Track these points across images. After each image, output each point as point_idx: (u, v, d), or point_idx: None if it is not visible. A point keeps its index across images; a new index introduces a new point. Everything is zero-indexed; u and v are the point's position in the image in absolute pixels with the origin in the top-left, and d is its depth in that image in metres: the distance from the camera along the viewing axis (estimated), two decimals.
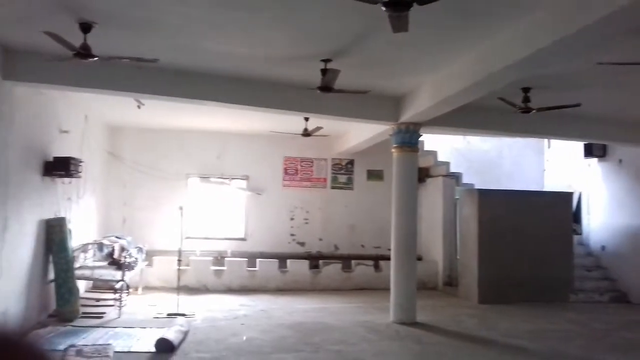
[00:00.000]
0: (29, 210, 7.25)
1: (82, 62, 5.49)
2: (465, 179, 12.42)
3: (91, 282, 9.30)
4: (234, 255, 11.83)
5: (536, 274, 10.56)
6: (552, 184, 13.63)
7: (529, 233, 10.65)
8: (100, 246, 9.47)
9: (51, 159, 7.80)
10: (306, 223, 12.76)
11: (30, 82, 6.79)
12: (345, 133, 11.75)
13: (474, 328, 8.38)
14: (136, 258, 9.55)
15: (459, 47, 5.95)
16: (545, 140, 13.72)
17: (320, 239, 12.75)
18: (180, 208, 8.91)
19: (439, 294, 11.43)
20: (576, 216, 12.14)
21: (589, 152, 11.77)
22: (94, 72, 6.57)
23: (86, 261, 8.98)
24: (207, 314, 8.60)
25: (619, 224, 11.27)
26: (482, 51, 5.86)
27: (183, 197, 11.79)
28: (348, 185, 13.01)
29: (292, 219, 12.72)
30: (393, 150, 8.83)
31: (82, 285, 8.81)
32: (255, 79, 7.61)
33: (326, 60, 6.40)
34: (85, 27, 5.32)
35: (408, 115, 8.25)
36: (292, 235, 12.68)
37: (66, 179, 8.24)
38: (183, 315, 8.25)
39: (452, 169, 12.31)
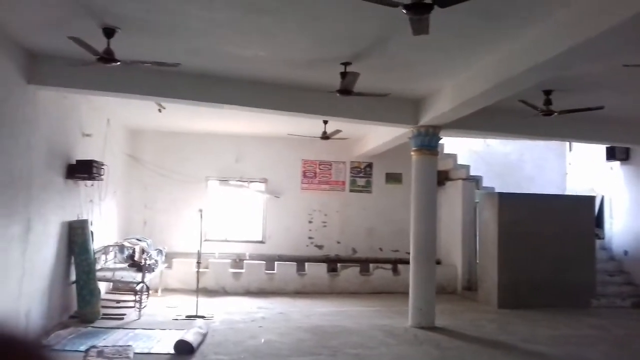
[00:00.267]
0: (52, 212, 7.35)
1: (105, 67, 5.57)
2: (485, 183, 12.31)
3: (112, 283, 9.40)
4: (252, 258, 11.88)
5: (557, 279, 10.42)
6: (574, 187, 13.46)
7: (550, 237, 10.52)
8: (121, 248, 9.58)
9: (74, 162, 7.92)
10: (324, 226, 12.76)
11: (54, 86, 6.89)
12: (364, 136, 11.74)
13: (493, 333, 8.29)
14: (156, 260, 9.63)
15: (480, 49, 5.91)
16: (567, 143, 13.55)
17: (339, 242, 12.74)
18: (200, 211, 8.98)
19: (458, 298, 11.34)
20: (598, 220, 11.97)
21: (611, 155, 11.60)
22: (116, 77, 6.67)
23: (107, 263, 9.09)
24: (226, 317, 8.64)
25: None
26: (504, 53, 5.81)
27: (202, 200, 11.87)
28: (366, 188, 12.98)
29: (310, 222, 12.72)
30: (412, 153, 8.79)
31: (102, 287, 8.90)
32: (276, 83, 7.63)
33: (346, 64, 6.40)
34: (109, 32, 5.39)
35: (428, 118, 8.22)
36: (310, 238, 12.69)
37: (88, 182, 8.35)
38: (202, 317, 8.30)
39: (472, 172, 12.21)
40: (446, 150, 12.22)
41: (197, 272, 9.22)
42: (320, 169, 12.82)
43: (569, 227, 10.68)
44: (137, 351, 6.41)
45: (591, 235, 11.12)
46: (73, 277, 8.02)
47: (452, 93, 7.35)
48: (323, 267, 11.62)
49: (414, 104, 8.53)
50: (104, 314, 8.15)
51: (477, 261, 11.38)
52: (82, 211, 8.35)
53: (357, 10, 4.56)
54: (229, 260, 11.47)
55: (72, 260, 8.02)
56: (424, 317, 8.40)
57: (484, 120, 8.54)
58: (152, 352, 6.51)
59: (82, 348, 6.38)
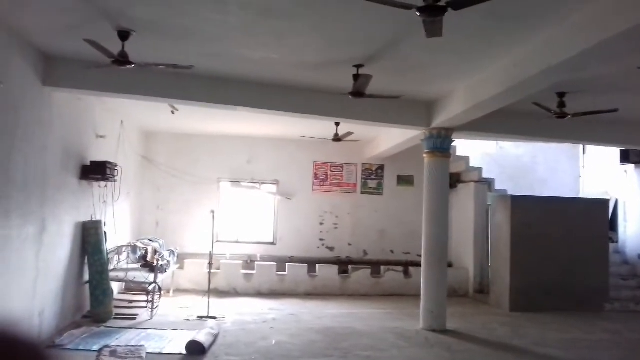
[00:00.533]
0: (66, 213, 7.43)
1: (119, 69, 5.62)
2: (498, 185, 12.26)
3: (124, 284, 9.46)
4: (263, 259, 11.90)
5: (570, 282, 10.34)
6: (587, 190, 13.35)
7: (563, 240, 10.44)
8: (134, 249, 9.64)
9: (88, 163, 8.00)
10: (335, 228, 12.75)
11: (69, 88, 6.95)
12: (376, 138, 11.73)
13: (505, 336, 8.25)
14: (168, 261, 9.68)
15: (494, 51, 5.88)
16: (581, 146, 13.45)
17: (350, 244, 12.73)
18: (212, 212, 9.02)
19: (470, 301, 11.29)
20: (612, 223, 11.86)
21: (625, 157, 11.50)
22: (130, 79, 6.73)
23: (120, 263, 9.15)
24: (237, 317, 8.67)
25: None
26: (517, 56, 5.78)
27: (214, 201, 11.92)
28: (378, 190, 12.96)
29: (321, 223, 12.73)
30: (424, 155, 8.77)
31: (115, 287, 8.97)
32: (288, 85, 7.66)
33: (358, 66, 6.40)
34: (124, 35, 5.44)
35: (440, 120, 8.20)
36: (321, 240, 12.69)
37: (102, 183, 8.43)
38: (213, 318, 8.33)
39: (485, 175, 12.15)
40: (458, 153, 12.17)
41: (209, 273, 9.26)
42: (331, 171, 12.83)
43: (582, 231, 10.59)
44: (149, 351, 6.45)
45: (605, 239, 11.02)
46: (86, 277, 8.09)
47: (465, 95, 7.32)
48: (334, 269, 11.61)
49: (426, 106, 8.51)
50: (117, 314, 8.20)
51: (489, 264, 11.32)
52: (96, 212, 8.42)
53: (369, 12, 4.55)
54: (241, 262, 11.51)
55: (86, 260, 8.09)
56: (435, 320, 8.38)
57: (497, 122, 8.50)
58: (164, 352, 6.55)
59: (95, 348, 6.44)
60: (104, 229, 8.39)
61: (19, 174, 6.03)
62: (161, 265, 9.07)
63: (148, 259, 9.23)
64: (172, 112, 9.05)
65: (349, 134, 9.89)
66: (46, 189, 6.75)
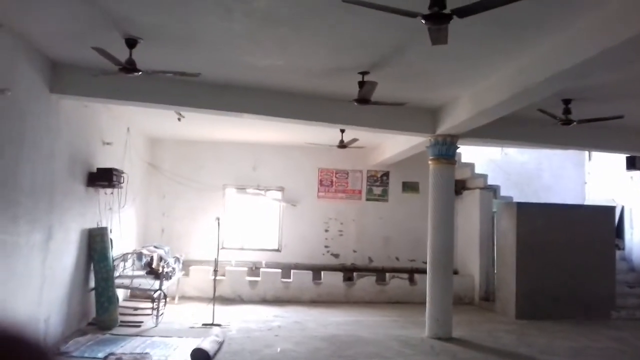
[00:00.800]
0: (72, 220, 7.45)
1: (126, 76, 5.66)
2: (503, 192, 12.22)
3: (129, 290, 9.47)
4: (268, 266, 11.90)
5: (576, 290, 10.29)
6: (593, 197, 13.30)
7: (569, 248, 10.39)
8: (139, 256, 9.66)
9: (95, 170, 8.03)
10: (340, 235, 12.74)
11: (76, 95, 6.99)
12: (381, 145, 11.73)
13: (511, 344, 8.20)
14: (173, 268, 9.69)
15: (499, 58, 5.89)
16: (586, 152, 13.41)
17: (355, 251, 12.71)
18: (217, 219, 9.03)
19: (476, 308, 11.24)
20: (619, 231, 11.81)
21: (631, 164, 11.46)
22: (137, 86, 6.77)
23: (125, 270, 9.17)
24: (242, 325, 8.66)
25: None
26: (523, 62, 5.79)
27: (220, 208, 11.94)
28: (383, 197, 12.95)
29: (326, 230, 12.72)
30: (430, 162, 8.77)
31: (120, 294, 8.98)
32: (293, 92, 7.68)
33: (364, 73, 6.42)
34: (131, 43, 5.49)
35: (445, 127, 8.20)
36: (326, 246, 12.68)
37: (108, 190, 8.45)
38: (218, 325, 8.33)
39: (490, 182, 12.12)
40: (463, 159, 12.16)
41: (214, 280, 9.26)
42: (336, 178, 12.83)
43: (588, 238, 10.55)
44: (154, 359, 6.46)
45: (611, 246, 10.97)
46: (92, 284, 8.10)
47: (470, 102, 7.33)
48: (339, 276, 11.60)
49: (431, 113, 8.52)
50: (122, 321, 8.21)
51: (495, 271, 11.28)
52: (102, 219, 8.44)
53: (375, 20, 4.58)
54: (246, 269, 11.50)
55: (91, 267, 8.10)
56: (440, 327, 8.34)
57: (502, 129, 8.50)
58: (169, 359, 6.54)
59: (100, 355, 6.45)
60: (110, 235, 8.41)
61: (27, 181, 6.06)
62: (166, 272, 9.08)
63: (153, 266, 9.24)
64: (178, 119, 9.09)
65: (354, 140, 9.90)
66: (53, 196, 6.78)
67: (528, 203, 11.02)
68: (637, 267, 11.60)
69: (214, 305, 8.77)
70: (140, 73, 5.61)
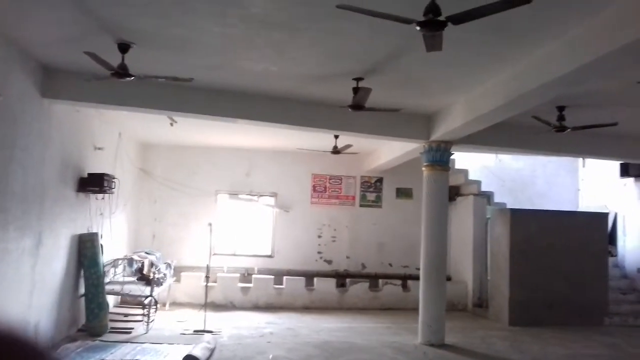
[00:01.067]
0: (63, 225, 7.37)
1: (119, 81, 5.61)
2: (497, 198, 12.22)
3: (120, 297, 9.38)
4: (261, 272, 11.82)
5: (569, 296, 10.29)
6: (586, 204, 13.33)
7: (562, 254, 10.40)
8: (130, 261, 9.56)
9: (86, 175, 7.96)
10: (334, 241, 12.70)
11: (68, 100, 6.94)
12: (375, 151, 11.72)
13: (504, 351, 8.18)
14: (165, 274, 9.62)
15: (494, 65, 5.89)
16: (580, 159, 13.45)
17: (348, 257, 12.67)
18: (209, 224, 8.97)
19: (469, 315, 11.22)
20: (611, 237, 11.83)
21: (625, 171, 11.51)
22: (130, 91, 6.72)
23: (116, 276, 9.08)
24: (234, 331, 8.59)
25: None
26: (517, 69, 5.79)
27: (212, 214, 11.87)
28: (377, 203, 12.92)
29: (319, 236, 12.67)
30: (423, 168, 8.75)
31: (111, 300, 8.89)
32: (287, 97, 7.66)
33: (358, 79, 6.40)
34: (124, 48, 5.44)
35: (439, 133, 8.19)
36: (319, 253, 12.62)
37: (99, 195, 8.39)
38: (210, 332, 8.25)
39: (484, 188, 12.13)
40: (457, 166, 12.15)
41: (206, 286, 9.18)
42: (330, 184, 12.80)
43: (581, 244, 10.56)
44: None
45: (604, 253, 10.99)
46: (82, 290, 8.02)
47: (464, 109, 7.32)
48: (332, 282, 11.54)
49: (425, 119, 8.51)
50: (112, 328, 8.12)
51: (488, 278, 11.26)
52: (93, 224, 8.36)
53: (369, 26, 4.56)
54: (238, 275, 11.43)
55: (82, 273, 8.02)
56: (433, 334, 8.31)
57: (496, 135, 8.50)
58: None
59: None
60: (101, 241, 8.33)
61: (18, 186, 5.99)
62: (157, 278, 9.00)
63: (144, 272, 9.16)
64: (171, 124, 9.03)
65: (348, 146, 9.87)
66: (44, 201, 6.71)
67: (522, 209, 11.02)
68: (630, 274, 11.62)
69: (205, 311, 8.70)
70: (133, 78, 5.57)
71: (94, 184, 7.98)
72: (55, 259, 7.22)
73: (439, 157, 8.59)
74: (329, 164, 12.20)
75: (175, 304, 10.48)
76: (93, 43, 5.33)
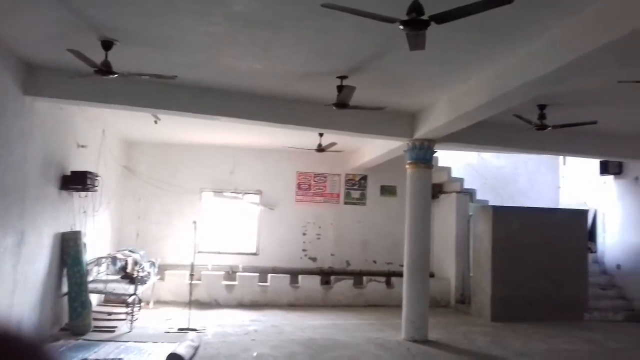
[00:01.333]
0: (45, 224, 7.31)
1: (102, 79, 5.58)
2: (479, 196, 12.35)
3: (104, 295, 9.32)
4: (245, 270, 11.82)
5: (550, 292, 10.44)
6: (567, 201, 13.52)
7: (543, 251, 10.55)
8: (114, 260, 9.51)
9: (68, 173, 7.89)
10: (318, 238, 12.73)
11: (51, 97, 6.88)
12: (359, 149, 11.77)
13: (486, 346, 8.28)
14: (149, 272, 9.57)
15: (476, 64, 5.96)
16: (561, 157, 13.63)
17: (332, 255, 12.72)
18: (194, 222, 8.95)
19: (451, 311, 11.33)
20: (591, 234, 12.02)
21: (604, 169, 11.68)
22: (113, 88, 6.67)
23: (99, 275, 9.02)
24: (218, 329, 8.59)
25: (634, 243, 11.15)
26: (501, 68, 5.86)
27: (196, 212, 11.83)
28: (361, 200, 12.99)
29: (304, 234, 12.70)
30: (407, 166, 8.82)
31: (94, 299, 8.83)
32: (272, 95, 7.66)
33: (342, 77, 6.43)
34: (107, 45, 5.41)
35: (423, 131, 8.26)
36: (304, 250, 12.66)
37: (82, 193, 8.32)
38: (194, 330, 8.24)
39: (466, 186, 12.25)
40: (440, 163, 12.24)
41: (190, 284, 9.17)
42: (315, 181, 12.83)
43: (562, 241, 10.71)
44: None
45: (584, 249, 11.16)
46: (65, 289, 7.95)
47: (447, 107, 7.39)
48: (316, 279, 11.58)
49: (409, 117, 8.57)
50: (95, 327, 8.06)
51: (471, 274, 11.38)
52: (76, 222, 8.30)
53: (354, 25, 4.59)
54: (222, 273, 11.41)
55: (65, 271, 7.96)
56: (417, 330, 8.38)
57: (479, 133, 8.58)
58: None
59: None
60: (84, 239, 8.27)
61: None
62: (141, 276, 8.96)
63: (128, 270, 9.11)
64: (155, 122, 8.99)
65: (333, 144, 9.91)
66: (26, 200, 6.64)
67: (503, 207, 11.15)
68: (609, 270, 11.82)
69: (189, 309, 8.68)
70: (117, 75, 5.54)
71: (77, 182, 7.91)
72: (37, 258, 7.16)
73: (423, 155, 8.66)
74: (314, 161, 12.23)
75: (160, 302, 10.44)
76: (76, 40, 5.29)
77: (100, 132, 9.49)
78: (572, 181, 13.69)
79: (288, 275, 11.47)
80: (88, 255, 8.45)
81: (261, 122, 8.08)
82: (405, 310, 8.55)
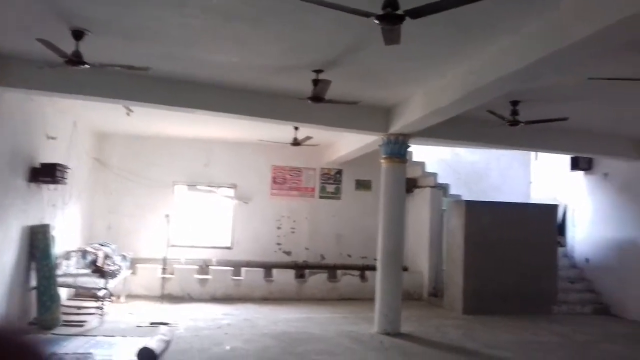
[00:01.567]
0: (13, 217, 7.15)
1: (73, 69, 5.46)
2: (453, 190, 12.48)
3: (74, 289, 9.17)
4: (219, 263, 11.74)
5: (520, 286, 10.62)
6: (538, 196, 13.75)
7: (514, 244, 10.71)
8: (84, 253, 9.34)
9: (38, 165, 7.72)
10: (293, 232, 12.73)
11: (21, 88, 6.72)
12: (335, 143, 11.77)
13: (458, 339, 8.39)
14: (120, 266, 9.44)
15: (451, 59, 6.00)
16: (533, 153, 13.85)
17: (307, 249, 12.73)
18: (167, 216, 8.86)
19: (424, 304, 11.45)
20: (561, 228, 12.26)
21: (575, 165, 11.90)
22: (85, 79, 6.55)
23: (69, 268, 8.86)
24: (191, 323, 8.52)
25: (603, 237, 11.39)
26: (474, 63, 5.91)
27: (169, 205, 11.71)
28: (336, 195, 13.01)
29: (279, 228, 12.68)
30: (382, 160, 8.85)
31: (64, 293, 8.68)
32: (247, 89, 7.61)
33: (318, 71, 6.42)
34: (78, 35, 5.30)
35: (398, 126, 8.30)
36: (278, 244, 12.64)
37: (52, 186, 8.15)
38: (166, 324, 8.17)
39: (440, 180, 12.37)
40: (415, 158, 12.33)
41: (162, 278, 9.08)
42: (290, 175, 12.80)
43: (532, 235, 10.90)
44: (97, 359, 6.27)
45: (554, 243, 11.38)
46: (33, 283, 7.80)
47: (422, 102, 7.44)
48: (291, 273, 11.57)
49: (384, 112, 8.60)
50: (64, 321, 7.93)
51: (443, 268, 11.51)
52: (45, 215, 8.14)
53: (330, 19, 4.58)
54: (195, 267, 11.32)
55: (33, 265, 7.80)
56: (389, 323, 8.45)
57: (453, 128, 8.66)
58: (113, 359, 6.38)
59: None
60: (53, 233, 8.11)
61: None
62: (112, 270, 8.84)
63: (98, 264, 8.97)
64: (127, 114, 8.85)
65: (308, 138, 9.90)
66: None
67: (476, 201, 11.27)
68: (578, 264, 12.06)
69: (162, 303, 8.60)
70: (88, 66, 5.43)
71: (47, 174, 7.75)
72: (5, 251, 7.00)
73: (397, 150, 8.71)
74: (289, 155, 12.20)
75: (131, 297, 10.30)
76: (46, 29, 5.17)
77: (71, 124, 9.30)
78: (543, 176, 13.93)
79: (262, 269, 11.43)
80: (58, 249, 8.30)
81: (236, 115, 8.02)
82: (378, 304, 8.61)
